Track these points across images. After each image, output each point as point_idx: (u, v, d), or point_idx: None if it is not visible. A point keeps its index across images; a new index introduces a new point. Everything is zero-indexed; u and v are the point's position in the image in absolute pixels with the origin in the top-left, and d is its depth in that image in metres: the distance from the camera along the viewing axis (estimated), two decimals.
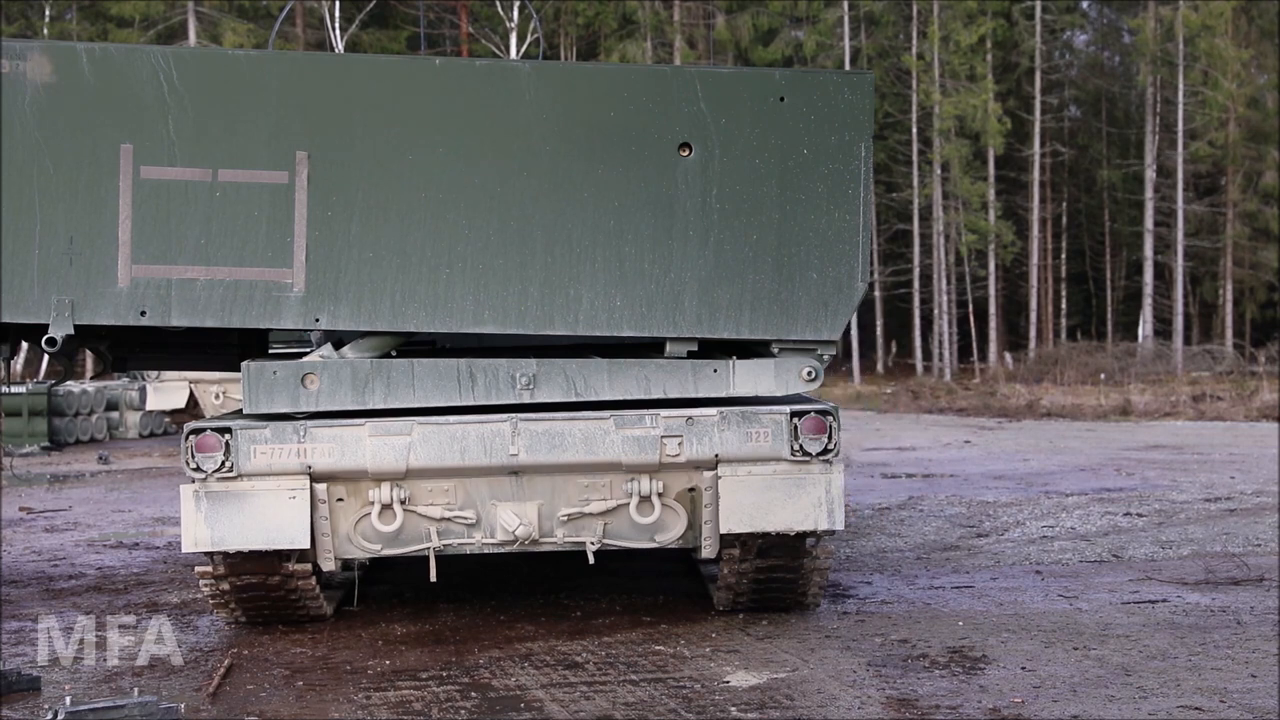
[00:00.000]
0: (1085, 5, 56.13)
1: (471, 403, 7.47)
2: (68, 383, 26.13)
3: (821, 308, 7.30)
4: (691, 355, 7.43)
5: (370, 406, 7.44)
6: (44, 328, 6.98)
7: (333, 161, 7.07)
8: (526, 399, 7.46)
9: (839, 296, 7.31)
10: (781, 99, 7.21)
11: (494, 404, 7.49)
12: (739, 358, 7.54)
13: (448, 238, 7.13)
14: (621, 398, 7.51)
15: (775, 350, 7.42)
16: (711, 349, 7.54)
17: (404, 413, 7.48)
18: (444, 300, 7.15)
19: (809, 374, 7.48)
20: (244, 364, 7.47)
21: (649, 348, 7.66)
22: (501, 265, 7.16)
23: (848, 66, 46.32)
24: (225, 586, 7.88)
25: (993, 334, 48.81)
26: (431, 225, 7.13)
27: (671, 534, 7.77)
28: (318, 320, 7.12)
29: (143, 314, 7.03)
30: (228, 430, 7.43)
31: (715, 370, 7.52)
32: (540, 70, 7.29)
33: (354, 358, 7.49)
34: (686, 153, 7.18)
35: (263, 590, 7.90)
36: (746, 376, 7.52)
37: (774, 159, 7.22)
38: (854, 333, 46.95)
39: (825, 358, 7.48)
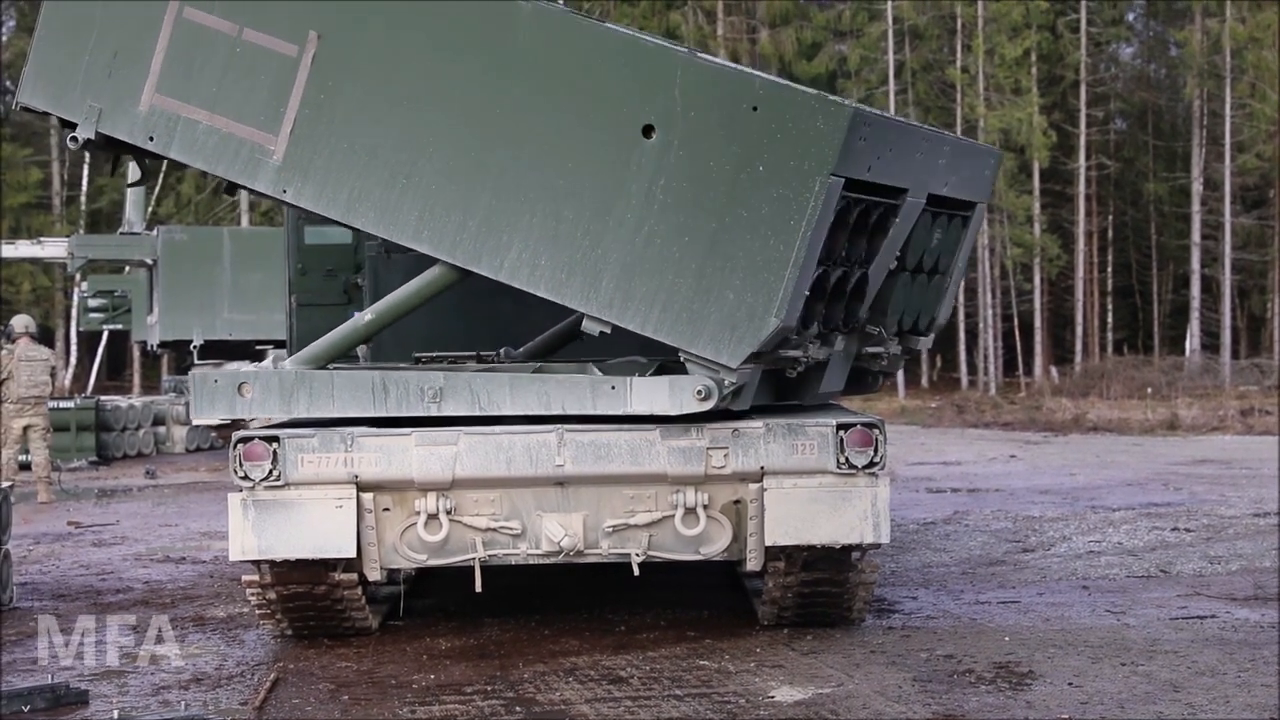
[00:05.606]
0: (1131, 18, 55.84)
1: (385, 414, 7.52)
2: (115, 399, 26.28)
3: (728, 331, 6.98)
4: (603, 335, 7.26)
5: (296, 415, 7.64)
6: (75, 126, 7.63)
7: (340, 48, 7.35)
8: (434, 411, 7.49)
9: (748, 325, 6.94)
10: (754, 108, 6.92)
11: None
12: (675, 364, 7.38)
13: (413, 150, 7.30)
14: (521, 413, 7.47)
15: (681, 358, 7.21)
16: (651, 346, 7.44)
17: (451, 421, 7.51)
18: (393, 209, 7.33)
19: (700, 393, 7.15)
20: (190, 373, 7.81)
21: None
22: (451, 192, 7.26)
23: (891, 80, 46.31)
24: (272, 596, 7.91)
25: (1038, 348, 48.52)
26: (402, 134, 7.32)
27: (716, 546, 7.75)
28: (285, 192, 7.46)
29: (150, 139, 7.61)
30: (276, 439, 7.49)
31: (613, 387, 7.41)
32: (540, 14, 7.25)
33: (289, 368, 7.68)
34: (649, 136, 7.02)
35: (309, 600, 7.93)
36: (643, 394, 7.33)
37: (729, 167, 6.93)
38: None
39: (726, 383, 7.09)
